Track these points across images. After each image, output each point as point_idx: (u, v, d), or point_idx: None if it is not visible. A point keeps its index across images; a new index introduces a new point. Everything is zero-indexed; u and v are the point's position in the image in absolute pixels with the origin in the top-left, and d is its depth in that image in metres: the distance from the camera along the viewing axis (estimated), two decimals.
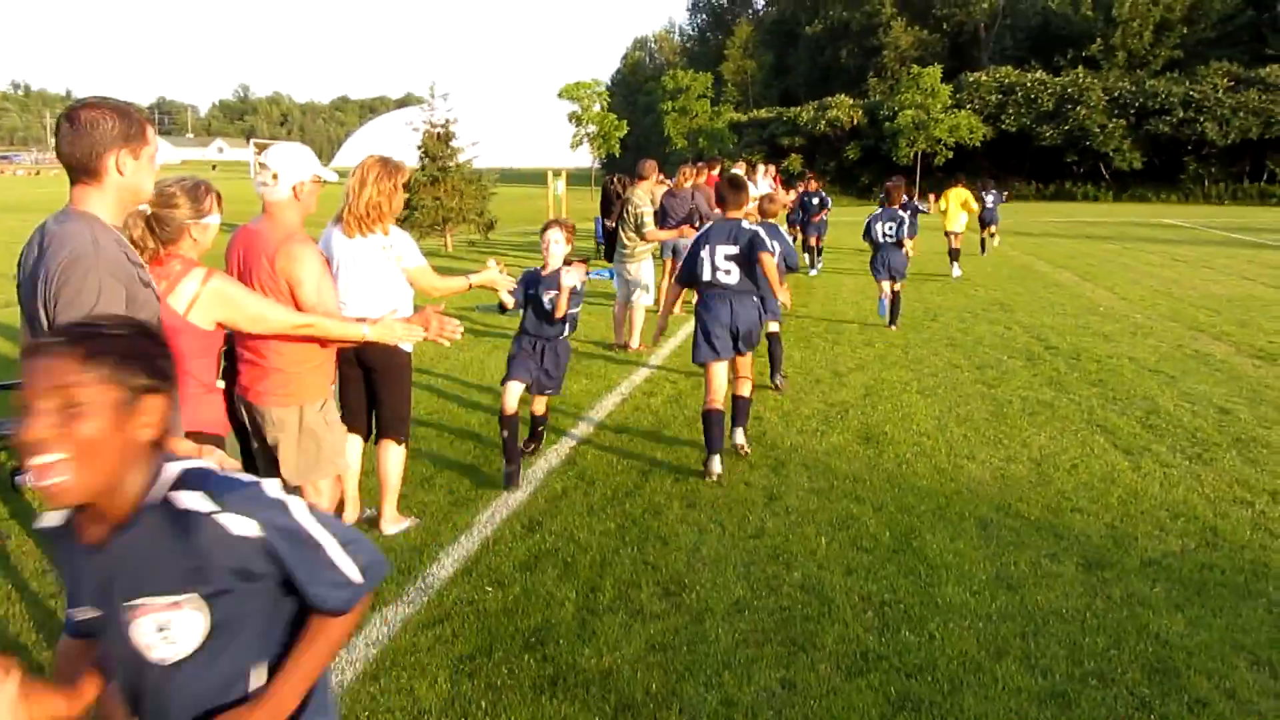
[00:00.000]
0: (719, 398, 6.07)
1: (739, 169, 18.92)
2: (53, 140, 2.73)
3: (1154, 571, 4.61)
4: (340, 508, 5.02)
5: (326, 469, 3.96)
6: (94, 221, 2.55)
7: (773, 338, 8.40)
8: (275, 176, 3.81)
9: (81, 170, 2.56)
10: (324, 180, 3.94)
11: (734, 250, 6.12)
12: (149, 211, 3.37)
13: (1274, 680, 3.64)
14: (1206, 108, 51.02)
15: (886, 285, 11.44)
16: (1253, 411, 7.62)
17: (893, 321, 11.51)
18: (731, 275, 6.15)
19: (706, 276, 6.20)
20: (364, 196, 4.67)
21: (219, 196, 3.55)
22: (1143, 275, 17.29)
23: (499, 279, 5.27)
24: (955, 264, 17.08)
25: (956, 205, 17.63)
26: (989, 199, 19.77)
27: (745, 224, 6.27)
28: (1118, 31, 58.23)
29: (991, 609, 4.23)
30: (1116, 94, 53.80)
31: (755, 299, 6.25)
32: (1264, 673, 3.69)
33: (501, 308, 5.74)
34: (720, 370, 6.16)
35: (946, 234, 17.51)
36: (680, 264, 6.77)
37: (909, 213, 12.37)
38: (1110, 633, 4.00)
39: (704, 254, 6.21)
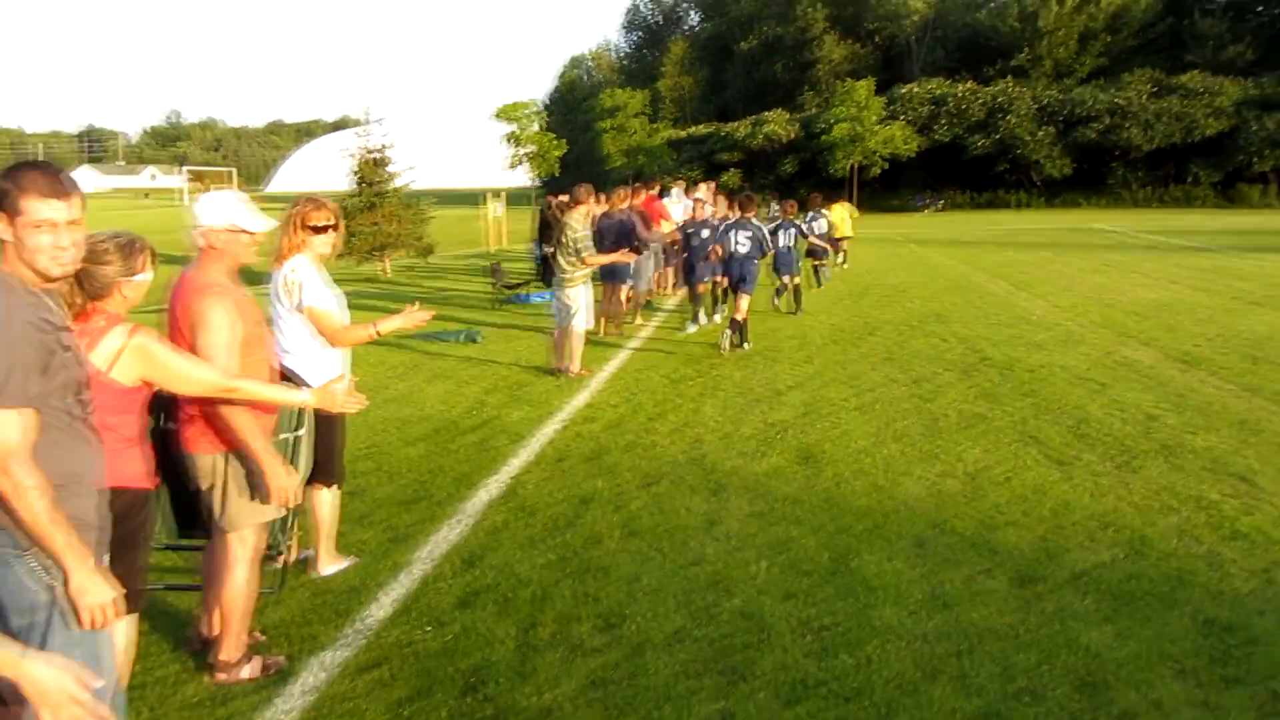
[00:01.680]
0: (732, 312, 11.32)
1: (678, 187, 19.06)
2: None
3: (1084, 584, 4.70)
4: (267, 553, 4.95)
5: (252, 517, 3.90)
6: (4, 286, 2.47)
7: (796, 287, 14.16)
8: (194, 225, 3.77)
9: None
10: (243, 229, 3.82)
11: (748, 234, 11.19)
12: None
13: (1198, 689, 3.73)
14: (1130, 114, 52.44)
15: (786, 279, 14.07)
16: (1179, 417, 7.82)
17: (798, 309, 14.14)
18: (745, 247, 11.15)
19: (732, 249, 11.21)
20: (276, 235, 4.65)
21: (153, 254, 3.46)
22: (1073, 282, 17.68)
23: (414, 317, 4.80)
24: (839, 256, 20.88)
25: (844, 214, 21.71)
26: (741, 239, 19.14)
27: (754, 220, 11.58)
28: (1043, 41, 59.63)
29: (927, 628, 4.28)
30: (1044, 103, 55.08)
31: (754, 261, 11.23)
32: (1189, 682, 3.78)
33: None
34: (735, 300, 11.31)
35: (836, 240, 19.93)
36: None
37: (811, 221, 16.03)
38: (1041, 648, 4.07)
39: (732, 236, 11.27)
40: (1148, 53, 58.80)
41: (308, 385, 4.07)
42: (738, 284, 11.24)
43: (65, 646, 2.54)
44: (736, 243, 11.21)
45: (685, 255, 13.46)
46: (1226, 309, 13.77)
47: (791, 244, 13.81)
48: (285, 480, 3.81)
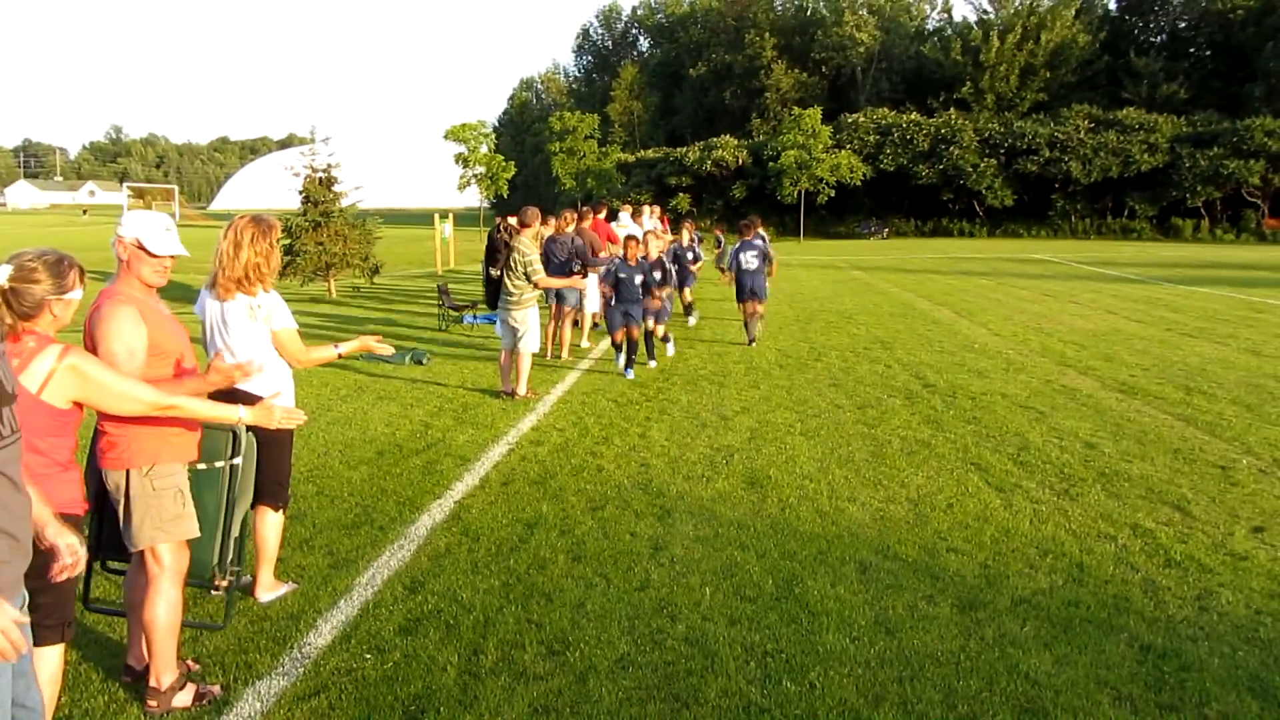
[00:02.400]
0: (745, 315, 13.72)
1: (625, 211, 19.11)
2: None
3: (1024, 610, 4.76)
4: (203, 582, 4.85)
5: (154, 537, 3.81)
6: None
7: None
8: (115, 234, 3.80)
9: None
10: (147, 249, 3.77)
11: (756, 252, 13.49)
12: (6, 286, 3.18)
13: (1135, 715, 3.79)
14: (1070, 148, 53.80)
15: (752, 305, 13.65)
16: (1116, 445, 7.97)
17: (751, 340, 13.82)
18: (754, 264, 13.46)
19: (742, 266, 13.50)
20: (241, 259, 4.54)
21: (83, 272, 3.39)
22: (1015, 311, 18.00)
23: (372, 342, 4.97)
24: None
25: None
26: (750, 255, 18.41)
27: (759, 239, 14.02)
28: (986, 75, 61.05)
29: (870, 654, 4.30)
30: (987, 135, 56.30)
31: (764, 273, 13.57)
32: (1125, 708, 3.84)
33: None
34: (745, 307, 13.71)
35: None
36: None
37: (765, 243, 14.17)
38: (983, 674, 4.10)
39: (741, 255, 13.55)
40: (1086, 89, 60.51)
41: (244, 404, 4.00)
42: (751, 295, 13.56)
43: None
44: (746, 261, 13.56)
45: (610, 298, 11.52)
46: (1161, 340, 14.10)
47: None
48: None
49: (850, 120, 59.36)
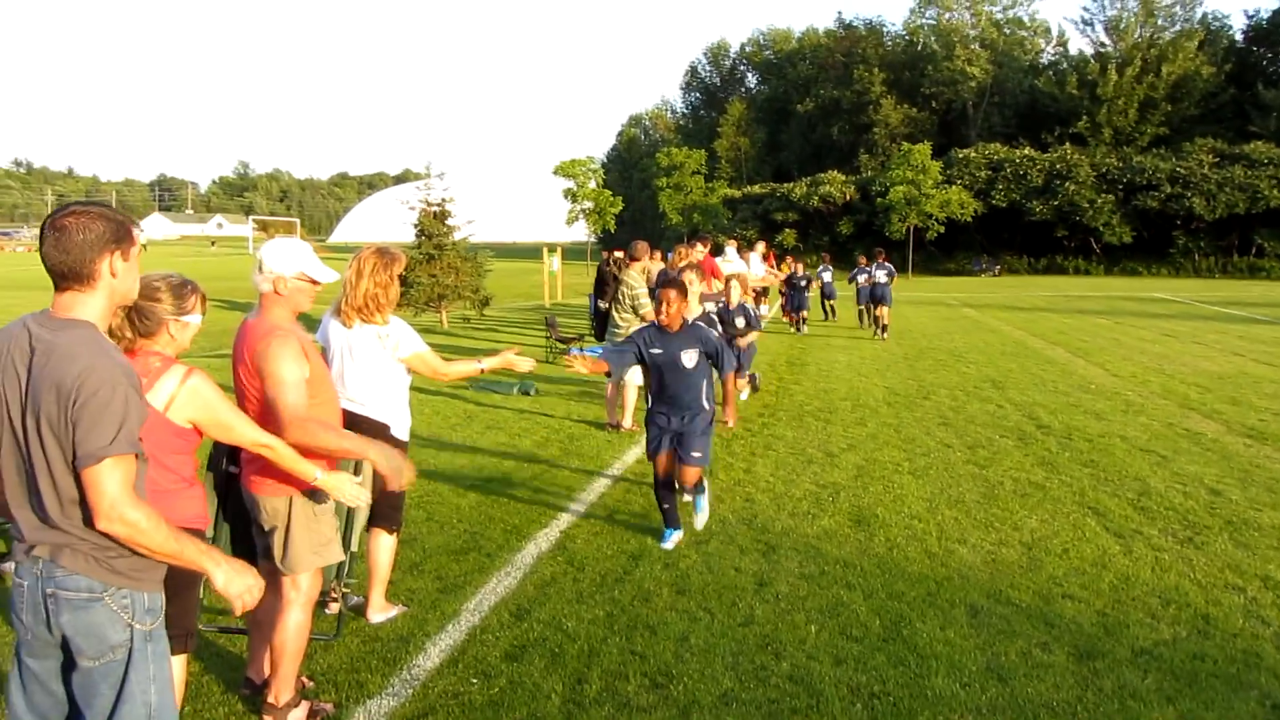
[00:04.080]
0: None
1: (730, 245, 19.15)
2: None
3: (1146, 661, 4.57)
4: (326, 596, 4.99)
5: (311, 561, 3.95)
6: (95, 331, 2.53)
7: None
8: (260, 269, 3.85)
9: (73, 276, 2.52)
10: (311, 278, 3.90)
11: (885, 272, 20.16)
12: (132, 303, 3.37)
13: None
14: (1193, 183, 51.93)
15: (882, 309, 19.85)
16: (1244, 493, 7.62)
17: (884, 330, 19.87)
18: (883, 279, 19.89)
19: (878, 281, 19.89)
20: (361, 289, 4.70)
21: (203, 297, 3.54)
22: (1134, 351, 17.40)
23: (512, 356, 5.31)
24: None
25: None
26: (881, 274, 20.42)
27: (888, 264, 19.94)
28: (1103, 109, 59.46)
29: (982, 701, 4.19)
30: (1104, 170, 54.75)
31: (890, 287, 19.95)
32: None
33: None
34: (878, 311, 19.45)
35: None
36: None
37: (891, 267, 20.68)
38: None
39: (877, 273, 20.04)
40: (1210, 122, 58.39)
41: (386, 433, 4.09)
42: (881, 301, 19.83)
43: (141, 684, 2.59)
44: (879, 277, 19.86)
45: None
46: None
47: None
48: (394, 460, 3.83)
49: (961, 155, 58.44)
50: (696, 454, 6.21)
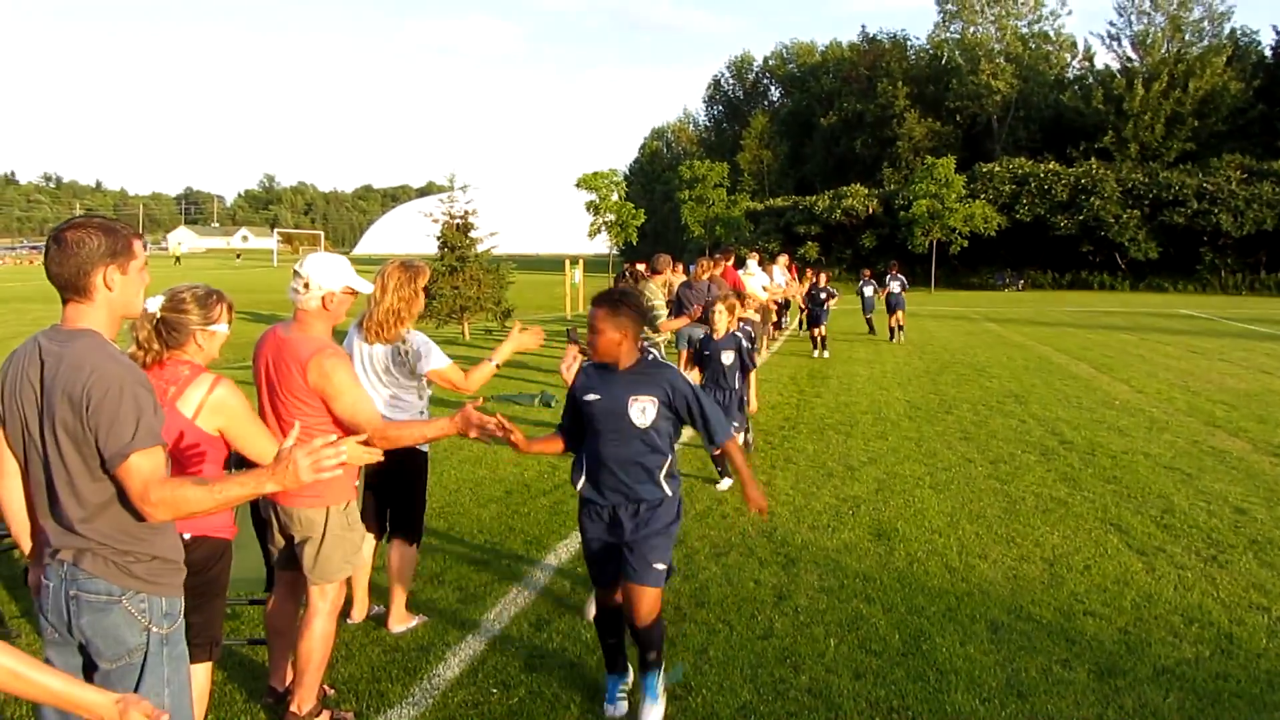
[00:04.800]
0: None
1: (753, 258, 19.16)
2: None
3: (1168, 680, 4.54)
4: (348, 606, 5.03)
5: (342, 570, 3.99)
6: (99, 338, 2.59)
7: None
8: (306, 285, 3.89)
9: (71, 288, 2.59)
10: (356, 290, 4.00)
11: (898, 284, 21.87)
12: (159, 315, 3.43)
13: None
14: (1220, 199, 51.41)
15: (898, 316, 21.77)
16: (1269, 512, 7.55)
17: (894, 337, 21.79)
18: (896, 289, 22.11)
19: (893, 290, 21.98)
20: (385, 304, 4.74)
21: (230, 306, 3.60)
22: (1159, 367, 17.26)
23: (524, 338, 5.16)
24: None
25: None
26: (894, 285, 22.48)
27: (901, 277, 21.98)
28: (1129, 124, 59.01)
29: (1002, 717, 4.17)
30: (1130, 185, 54.29)
31: (903, 296, 22.12)
32: None
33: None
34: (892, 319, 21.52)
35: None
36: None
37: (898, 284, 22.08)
38: None
39: (892, 284, 21.90)
40: (1238, 138, 57.82)
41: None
42: (898, 308, 21.76)
43: (156, 686, 2.63)
44: (894, 288, 21.77)
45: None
46: None
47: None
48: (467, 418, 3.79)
49: (985, 170, 58.13)
50: (658, 564, 4.09)
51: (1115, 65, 65.28)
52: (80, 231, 2.58)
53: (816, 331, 19.58)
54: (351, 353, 4.88)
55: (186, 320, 3.44)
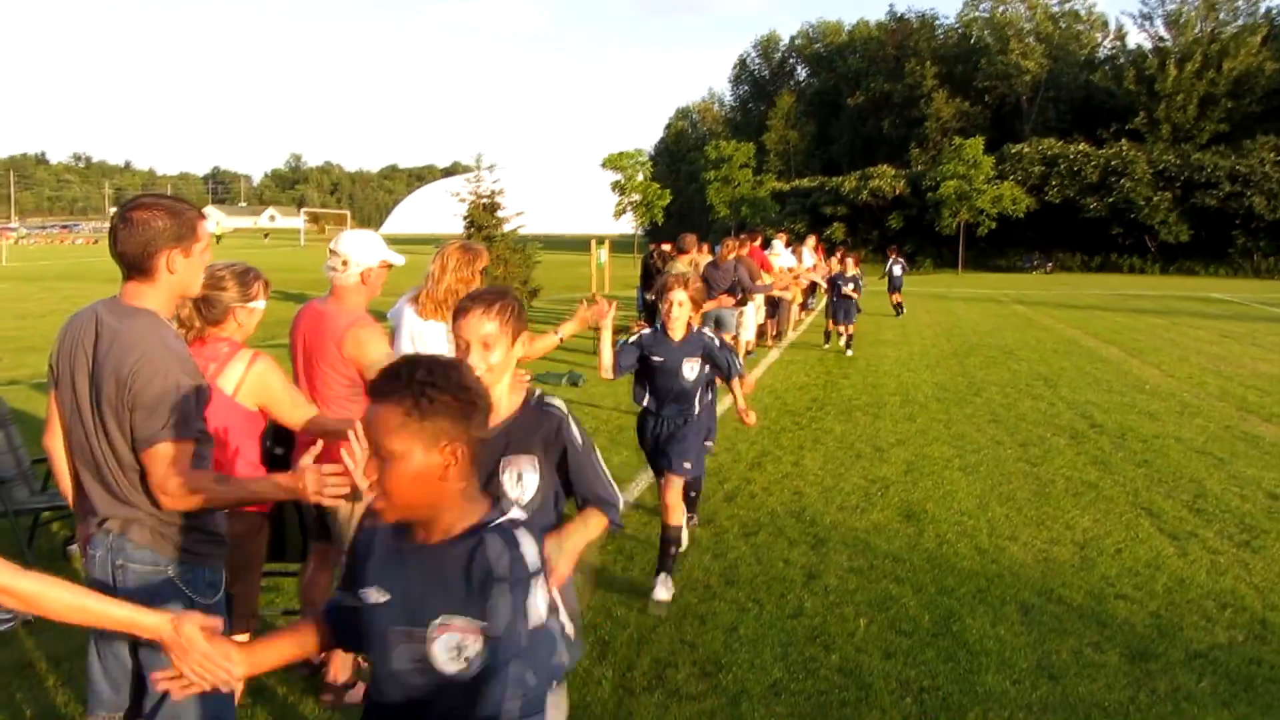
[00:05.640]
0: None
1: (779, 239, 19.09)
2: (112, 209, 2.77)
3: (1200, 664, 4.53)
4: None
5: None
6: (156, 319, 2.63)
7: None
8: (345, 263, 3.94)
9: (135, 268, 2.61)
10: (391, 264, 4.08)
11: (899, 267, 23.98)
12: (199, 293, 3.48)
13: None
14: (1254, 181, 50.73)
15: (896, 296, 23.28)
16: None
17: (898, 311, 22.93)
18: (897, 271, 24.03)
19: (895, 274, 23.96)
20: (444, 283, 4.75)
21: (267, 284, 3.64)
22: (1190, 352, 17.08)
23: (591, 316, 4.94)
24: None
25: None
26: (895, 269, 24.12)
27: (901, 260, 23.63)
28: (1161, 105, 58.22)
29: (1033, 699, 4.17)
30: (1162, 167, 53.62)
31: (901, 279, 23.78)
32: None
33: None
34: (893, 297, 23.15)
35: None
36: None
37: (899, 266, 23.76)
38: None
39: (894, 268, 23.95)
40: (1272, 119, 56.86)
41: None
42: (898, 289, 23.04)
43: None
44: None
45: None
46: None
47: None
48: None
49: (1014, 150, 57.56)
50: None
51: (1147, 45, 64.41)
52: (147, 212, 2.60)
53: (841, 327, 16.28)
54: (400, 326, 4.91)
55: (226, 297, 3.49)
